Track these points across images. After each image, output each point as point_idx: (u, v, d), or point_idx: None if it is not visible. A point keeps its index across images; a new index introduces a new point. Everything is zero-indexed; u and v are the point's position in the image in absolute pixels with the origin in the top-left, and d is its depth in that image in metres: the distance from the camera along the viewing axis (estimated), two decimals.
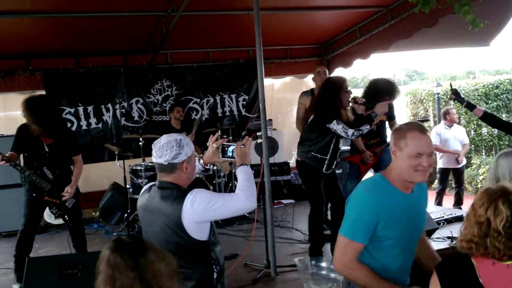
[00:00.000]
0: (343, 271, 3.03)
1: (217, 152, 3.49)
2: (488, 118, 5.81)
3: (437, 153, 9.46)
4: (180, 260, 3.02)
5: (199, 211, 3.02)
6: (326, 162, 5.75)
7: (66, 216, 5.73)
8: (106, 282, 2.12)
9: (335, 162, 5.84)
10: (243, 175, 3.29)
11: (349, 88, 5.82)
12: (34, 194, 5.58)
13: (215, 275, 3.18)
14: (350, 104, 5.80)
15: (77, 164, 5.87)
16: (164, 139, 3.14)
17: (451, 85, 6.10)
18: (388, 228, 2.96)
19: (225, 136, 8.02)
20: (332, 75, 9.03)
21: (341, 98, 5.72)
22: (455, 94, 5.85)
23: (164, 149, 3.09)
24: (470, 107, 5.89)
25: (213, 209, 3.04)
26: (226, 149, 3.52)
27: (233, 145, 3.48)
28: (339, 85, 5.76)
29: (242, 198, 3.12)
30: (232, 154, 3.47)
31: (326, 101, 5.76)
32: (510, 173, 3.64)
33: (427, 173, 2.99)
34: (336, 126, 5.59)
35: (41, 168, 5.54)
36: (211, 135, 3.70)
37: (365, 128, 5.61)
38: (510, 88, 13.08)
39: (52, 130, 5.56)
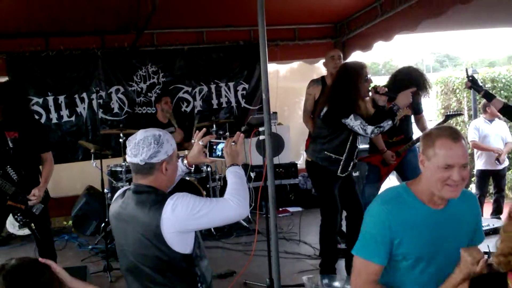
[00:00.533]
0: None
1: (204, 151, 3.45)
2: (509, 111, 5.95)
3: (475, 151, 9.46)
4: (158, 276, 3.06)
5: (182, 219, 2.97)
6: (341, 163, 5.75)
7: (32, 225, 5.70)
8: None
9: (352, 163, 5.83)
10: (234, 177, 3.26)
11: (369, 76, 5.79)
12: None
13: None
14: (370, 94, 5.78)
15: (47, 162, 5.85)
16: (140, 134, 3.10)
17: (467, 71, 6.28)
18: (405, 246, 2.93)
19: (220, 132, 8.04)
20: (349, 60, 9.05)
21: (360, 88, 5.69)
22: (472, 82, 6.07)
23: (140, 146, 3.05)
24: (489, 97, 6.10)
25: (197, 216, 2.99)
26: (214, 147, 3.48)
27: (223, 142, 3.44)
28: (358, 72, 5.73)
29: (232, 204, 3.08)
30: (222, 153, 3.43)
31: (342, 91, 5.73)
32: None
33: (459, 188, 2.93)
34: (353, 122, 5.58)
35: (3, 167, 5.51)
36: (197, 131, 3.70)
37: (387, 124, 5.60)
38: None
39: (17, 122, 5.57)
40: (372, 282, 2.91)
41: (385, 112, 5.63)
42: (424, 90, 6.78)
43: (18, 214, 5.66)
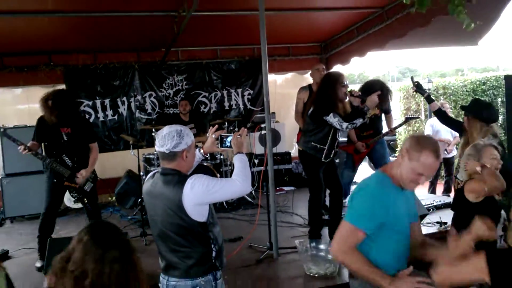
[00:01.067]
0: (338, 255, 2.98)
1: (216, 142, 3.52)
2: (440, 115, 5.88)
3: None
4: (181, 239, 3.12)
5: (199, 194, 3.05)
6: (324, 151, 5.75)
7: (85, 199, 5.83)
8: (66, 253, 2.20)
9: (333, 151, 5.83)
10: (239, 162, 3.32)
11: (346, 82, 5.80)
12: (55, 180, 5.67)
13: (213, 254, 3.20)
14: (348, 97, 5.79)
15: (93, 151, 5.93)
16: (166, 129, 3.18)
17: (412, 78, 6.09)
18: (390, 220, 2.93)
19: (231, 128, 8.03)
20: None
21: (338, 92, 5.71)
22: (417, 87, 5.87)
23: (166, 138, 3.12)
24: (429, 100, 5.94)
25: (211, 192, 3.08)
26: (224, 139, 3.55)
27: (231, 135, 3.51)
28: (336, 79, 5.77)
29: (237, 183, 3.17)
30: (230, 144, 3.50)
31: (324, 94, 5.77)
32: None
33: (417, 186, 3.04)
34: (332, 119, 5.60)
35: (60, 155, 5.63)
36: (211, 127, 3.74)
37: (358, 121, 5.63)
38: (496, 84, 13.04)
39: (69, 121, 5.65)
40: (354, 247, 2.89)
41: (358, 111, 5.64)
42: (386, 95, 6.81)
43: (73, 192, 5.78)
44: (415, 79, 6.04)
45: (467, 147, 4.32)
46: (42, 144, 5.75)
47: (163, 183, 3.14)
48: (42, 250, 5.59)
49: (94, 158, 5.92)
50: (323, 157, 5.77)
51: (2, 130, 5.84)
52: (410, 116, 8.67)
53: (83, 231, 2.23)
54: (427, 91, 5.84)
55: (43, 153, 5.74)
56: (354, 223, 2.91)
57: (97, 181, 6.06)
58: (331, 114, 5.60)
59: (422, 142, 2.95)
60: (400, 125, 7.70)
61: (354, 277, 3.10)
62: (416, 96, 13.14)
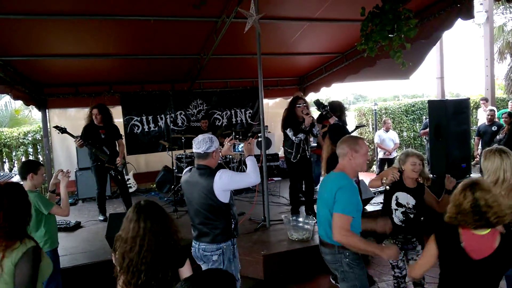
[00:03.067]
0: (342, 239, 2.79)
1: (230, 148, 3.51)
2: (334, 128, 5.11)
3: (378, 149, 9.47)
4: (211, 215, 3.12)
5: (225, 182, 3.07)
6: (292, 153, 5.73)
7: (119, 176, 6.29)
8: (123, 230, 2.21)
9: (299, 154, 5.73)
10: (251, 161, 3.31)
11: (300, 104, 5.69)
12: (99, 163, 6.15)
13: (232, 226, 3.21)
14: (305, 115, 5.61)
15: (120, 144, 6.43)
16: (201, 136, 3.19)
17: (317, 101, 5.50)
18: (359, 205, 2.94)
19: (237, 136, 8.02)
20: (306, 97, 9.04)
21: (295, 110, 5.71)
22: (317, 104, 5.39)
23: (201, 143, 3.14)
24: (327, 115, 5.27)
25: (234, 181, 3.13)
26: (236, 146, 3.55)
27: (241, 144, 3.52)
28: (293, 102, 5.80)
29: (252, 176, 3.19)
30: (240, 150, 3.51)
31: (286, 114, 5.82)
32: None
33: None
34: (288, 132, 5.66)
35: (101, 147, 6.09)
36: (227, 137, 3.77)
37: (302, 135, 5.62)
38: (422, 107, 13.05)
39: (105, 125, 6.20)
40: (349, 230, 2.79)
41: (302, 129, 5.60)
42: (342, 112, 6.75)
43: (112, 171, 6.21)
44: (318, 98, 5.64)
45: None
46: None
47: (198, 175, 3.15)
48: (102, 209, 6.41)
49: (122, 149, 6.40)
50: (292, 157, 5.75)
51: (63, 128, 6.02)
52: (359, 125, 8.65)
53: (133, 210, 2.24)
54: (327, 109, 5.41)
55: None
56: (346, 213, 2.79)
57: (126, 163, 6.83)
58: (288, 129, 5.67)
59: (353, 138, 3.07)
60: (353, 131, 7.62)
61: (324, 247, 3.04)
62: (366, 115, 13.16)
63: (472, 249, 2.26)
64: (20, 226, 2.24)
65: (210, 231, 3.13)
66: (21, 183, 3.49)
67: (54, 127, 6.03)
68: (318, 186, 4.07)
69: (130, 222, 2.20)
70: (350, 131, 7.28)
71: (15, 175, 5.98)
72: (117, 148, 6.33)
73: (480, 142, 8.42)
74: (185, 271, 2.31)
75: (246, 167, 3.32)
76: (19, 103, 10.88)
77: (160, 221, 2.23)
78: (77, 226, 6.14)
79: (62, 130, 5.92)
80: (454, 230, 2.32)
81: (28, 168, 3.63)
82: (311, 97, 9.89)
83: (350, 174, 2.96)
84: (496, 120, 8.33)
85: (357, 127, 8.04)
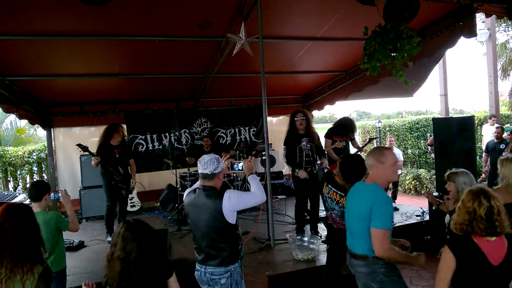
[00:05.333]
0: (385, 254, 2.76)
1: (228, 167, 3.40)
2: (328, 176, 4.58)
3: None
4: (219, 238, 3.04)
5: (234, 203, 3.01)
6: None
7: (128, 197, 6.37)
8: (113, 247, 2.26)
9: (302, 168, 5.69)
10: (254, 180, 3.24)
11: (298, 118, 5.77)
12: (112, 183, 6.05)
13: (240, 247, 3.15)
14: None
15: (132, 165, 6.35)
16: (207, 157, 3.12)
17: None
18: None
19: (241, 154, 7.99)
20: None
21: (294, 124, 5.78)
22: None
23: (208, 164, 3.07)
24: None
25: (243, 200, 3.07)
26: (233, 165, 3.47)
27: (239, 162, 3.46)
28: (292, 115, 5.88)
29: (258, 195, 3.13)
30: (239, 168, 3.43)
31: (287, 128, 5.92)
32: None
33: None
34: (283, 149, 5.79)
35: (116, 166, 6.03)
36: (223, 155, 3.71)
37: (289, 165, 5.73)
38: (426, 124, 13.04)
39: (120, 145, 6.14)
40: (390, 244, 2.79)
41: (297, 164, 5.69)
42: (352, 129, 6.77)
43: (123, 190, 6.16)
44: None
45: None
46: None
47: (205, 197, 3.06)
48: (109, 226, 6.18)
49: (134, 169, 6.38)
50: (295, 172, 5.70)
51: (83, 147, 5.93)
52: (371, 137, 8.55)
53: (121, 228, 2.30)
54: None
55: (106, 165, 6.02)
56: (386, 227, 2.76)
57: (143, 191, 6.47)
58: (284, 146, 5.76)
59: (379, 150, 3.02)
60: (366, 144, 7.54)
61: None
62: (370, 132, 13.14)
63: (491, 256, 2.28)
64: (29, 249, 2.25)
65: (219, 253, 3.04)
66: (27, 203, 3.47)
67: (77, 145, 5.94)
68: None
69: (122, 241, 2.26)
70: (362, 146, 7.25)
71: (19, 194, 5.97)
72: (129, 168, 6.28)
73: (489, 159, 8.36)
74: (173, 282, 2.40)
75: (250, 185, 3.27)
76: (24, 122, 10.96)
77: (150, 239, 2.31)
78: (81, 245, 6.10)
79: (84, 149, 5.84)
80: (468, 239, 2.33)
81: (44, 189, 3.65)
82: (314, 115, 9.90)
83: (382, 185, 2.92)
84: (505, 137, 8.29)
85: (370, 140, 7.99)
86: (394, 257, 2.80)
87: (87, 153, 5.95)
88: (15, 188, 8.92)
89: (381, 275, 2.87)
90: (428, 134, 12.73)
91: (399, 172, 9.22)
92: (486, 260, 2.27)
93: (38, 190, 3.60)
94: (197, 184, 3.27)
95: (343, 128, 6.62)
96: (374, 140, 11.42)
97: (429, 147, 9.94)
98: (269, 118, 9.15)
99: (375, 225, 2.76)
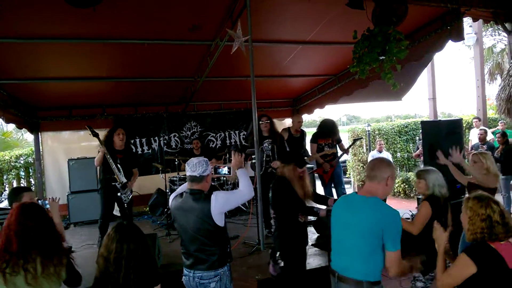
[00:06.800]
0: (399, 274, 2.58)
1: (212, 171, 3.29)
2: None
3: None
4: (208, 241, 3.00)
5: (222, 204, 2.99)
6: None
7: (125, 205, 5.75)
8: (104, 248, 2.27)
9: (263, 167, 5.85)
10: (242, 174, 3.20)
11: (263, 122, 6.18)
12: (108, 192, 5.63)
13: (228, 249, 3.13)
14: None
15: (135, 173, 5.98)
16: (195, 159, 3.10)
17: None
18: None
19: (227, 158, 7.96)
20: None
21: (259, 127, 6.00)
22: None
23: (197, 166, 3.04)
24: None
25: (230, 200, 3.05)
26: (217, 169, 3.51)
27: (224, 165, 3.52)
28: (258, 119, 5.93)
29: (245, 192, 3.10)
30: (224, 172, 3.50)
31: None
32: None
33: None
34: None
35: (117, 165, 5.59)
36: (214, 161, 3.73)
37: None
38: (415, 127, 13.16)
39: (122, 150, 5.80)
40: (401, 261, 2.57)
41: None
42: (334, 129, 6.95)
43: (123, 195, 5.68)
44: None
45: None
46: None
47: (193, 200, 3.03)
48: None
49: (135, 177, 5.98)
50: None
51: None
52: (356, 138, 8.60)
53: (111, 229, 2.33)
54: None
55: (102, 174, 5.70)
56: (399, 248, 2.52)
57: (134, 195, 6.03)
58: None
59: (391, 163, 2.80)
60: (350, 146, 7.54)
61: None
62: (359, 135, 13.21)
63: (508, 259, 2.30)
64: (53, 243, 2.43)
65: (208, 257, 3.00)
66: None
67: (87, 126, 5.53)
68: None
69: (113, 242, 2.25)
70: (347, 147, 7.27)
71: (5, 199, 5.88)
72: (131, 178, 5.88)
73: None
74: None
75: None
76: (11, 126, 10.83)
77: (141, 242, 2.31)
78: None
79: (94, 133, 5.45)
80: (486, 245, 2.33)
81: (13, 196, 3.53)
82: (304, 119, 9.91)
83: (382, 199, 2.70)
84: (490, 140, 8.39)
85: (354, 141, 8.03)
86: (406, 270, 2.65)
87: (95, 138, 5.51)
88: (1, 193, 8.78)
89: None
90: (417, 138, 12.85)
91: None
92: (505, 264, 2.28)
93: (9, 197, 3.56)
94: (183, 188, 3.24)
95: (325, 131, 6.87)
96: (358, 142, 11.48)
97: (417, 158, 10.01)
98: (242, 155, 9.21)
99: (392, 247, 2.50)
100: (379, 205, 2.58)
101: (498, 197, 6.01)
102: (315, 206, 3.96)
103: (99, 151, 5.50)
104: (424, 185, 3.65)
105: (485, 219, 2.32)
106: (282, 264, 3.76)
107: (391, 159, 9.56)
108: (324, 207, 3.98)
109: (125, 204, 5.74)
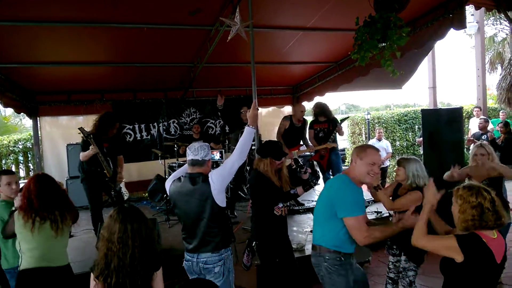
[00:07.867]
0: (366, 241, 2.72)
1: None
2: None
3: None
4: (212, 223, 3.01)
5: (219, 181, 2.99)
6: None
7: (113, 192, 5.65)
8: (106, 228, 2.32)
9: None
10: (246, 134, 3.13)
11: (242, 111, 6.63)
12: (94, 184, 5.49)
13: (230, 229, 3.19)
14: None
15: (121, 160, 5.83)
16: (197, 144, 3.11)
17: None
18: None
19: (226, 144, 7.98)
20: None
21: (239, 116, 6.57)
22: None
23: (199, 150, 3.05)
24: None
25: (224, 176, 3.02)
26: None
27: (215, 151, 3.50)
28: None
29: (234, 157, 3.06)
30: (215, 158, 3.48)
31: None
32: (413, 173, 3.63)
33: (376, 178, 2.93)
34: None
35: (106, 158, 5.43)
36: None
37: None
38: (414, 116, 13.16)
39: (108, 139, 5.60)
40: (367, 228, 2.74)
41: None
42: (325, 110, 7.15)
43: (112, 191, 5.61)
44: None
45: None
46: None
47: (191, 183, 3.02)
48: (98, 232, 5.48)
49: (122, 164, 5.83)
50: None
51: (86, 136, 5.35)
52: (343, 118, 8.48)
53: (113, 211, 2.37)
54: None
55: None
56: (357, 214, 2.73)
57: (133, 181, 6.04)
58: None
59: (363, 146, 3.01)
60: (341, 122, 7.45)
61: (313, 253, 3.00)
62: (359, 124, 13.22)
63: (496, 253, 2.30)
64: (67, 202, 3.35)
65: (212, 239, 3.00)
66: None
67: (79, 128, 5.36)
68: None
69: (116, 223, 2.27)
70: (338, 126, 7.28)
71: None
72: (117, 165, 5.73)
73: None
74: (158, 279, 2.38)
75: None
76: (10, 111, 10.80)
77: (144, 222, 2.34)
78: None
79: (86, 136, 5.26)
80: (476, 237, 2.32)
81: None
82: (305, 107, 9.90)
83: (353, 179, 2.88)
84: (489, 130, 8.40)
85: (342, 121, 7.81)
86: (379, 237, 2.76)
87: (84, 139, 5.32)
88: None
89: (324, 269, 2.86)
90: (416, 127, 12.86)
91: (388, 163, 9.30)
92: (493, 258, 2.28)
93: None
94: (180, 172, 3.24)
95: (316, 113, 7.18)
96: (346, 121, 11.08)
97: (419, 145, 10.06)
98: (259, 109, 9.16)
99: (346, 213, 2.73)
100: (334, 179, 3.05)
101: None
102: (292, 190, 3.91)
103: (90, 149, 5.23)
104: (403, 173, 3.68)
105: (476, 206, 2.31)
106: (256, 254, 3.81)
107: (390, 148, 9.56)
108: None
109: (115, 194, 5.65)
